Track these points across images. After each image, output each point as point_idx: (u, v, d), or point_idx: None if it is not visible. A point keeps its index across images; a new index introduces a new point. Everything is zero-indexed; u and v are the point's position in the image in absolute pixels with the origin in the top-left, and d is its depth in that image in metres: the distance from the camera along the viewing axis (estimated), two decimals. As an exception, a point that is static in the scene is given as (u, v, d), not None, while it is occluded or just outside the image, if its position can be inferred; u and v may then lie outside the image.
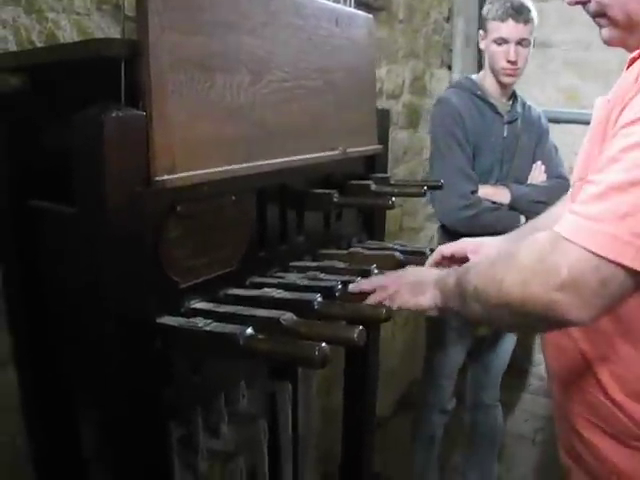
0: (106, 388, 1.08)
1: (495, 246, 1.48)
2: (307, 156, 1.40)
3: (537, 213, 2.20)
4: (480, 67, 3.14)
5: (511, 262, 1.01)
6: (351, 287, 1.30)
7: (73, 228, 1.07)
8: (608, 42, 1.11)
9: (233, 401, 1.43)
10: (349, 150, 1.56)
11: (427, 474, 2.87)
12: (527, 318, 1.00)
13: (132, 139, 0.99)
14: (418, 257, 1.56)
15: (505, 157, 2.57)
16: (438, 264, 1.47)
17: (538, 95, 3.30)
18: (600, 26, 1.12)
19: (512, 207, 2.47)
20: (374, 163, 1.79)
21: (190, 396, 1.24)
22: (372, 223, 1.84)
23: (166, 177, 1.03)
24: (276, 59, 1.29)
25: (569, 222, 0.94)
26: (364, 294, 1.28)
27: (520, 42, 2.39)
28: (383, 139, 1.82)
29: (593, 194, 0.92)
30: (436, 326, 2.69)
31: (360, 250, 1.58)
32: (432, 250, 1.59)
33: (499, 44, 2.41)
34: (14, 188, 1.22)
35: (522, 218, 2.44)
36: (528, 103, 2.70)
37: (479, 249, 1.47)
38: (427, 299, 1.24)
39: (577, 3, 1.11)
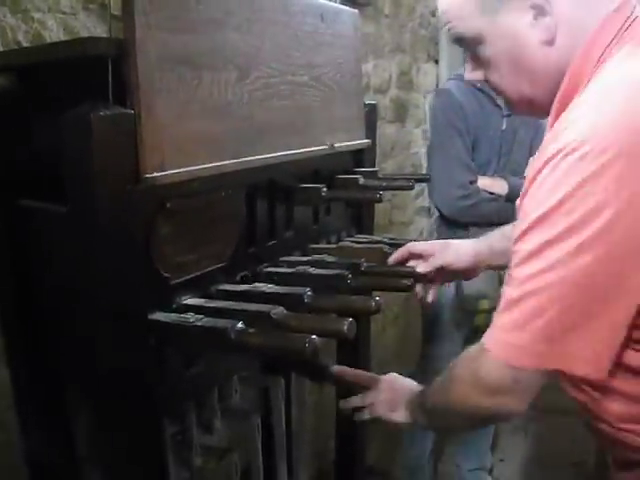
0: (99, 385, 1.09)
1: (464, 247, 1.54)
2: (295, 151, 1.40)
3: None
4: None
5: (452, 378, 1.18)
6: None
7: (64, 227, 1.07)
8: (515, 113, 1.21)
9: (226, 397, 1.44)
10: (337, 145, 1.57)
11: (421, 466, 2.89)
12: (475, 421, 1.23)
13: (121, 137, 1.00)
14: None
15: (503, 150, 2.58)
16: (405, 260, 1.52)
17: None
18: (504, 102, 1.25)
19: (509, 199, 2.47)
20: (362, 157, 1.80)
21: (183, 392, 1.24)
22: (361, 217, 1.85)
23: (156, 174, 1.04)
24: (263, 55, 1.30)
25: (489, 332, 1.06)
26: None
27: None
28: (371, 133, 1.83)
29: (505, 301, 1.03)
30: (432, 319, 2.70)
31: (349, 244, 1.59)
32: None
33: None
34: (4, 188, 1.22)
35: None
36: None
37: (447, 249, 1.52)
38: (399, 416, 1.38)
39: (477, 81, 1.22)
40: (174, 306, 1.15)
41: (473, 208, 2.46)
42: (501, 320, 1.03)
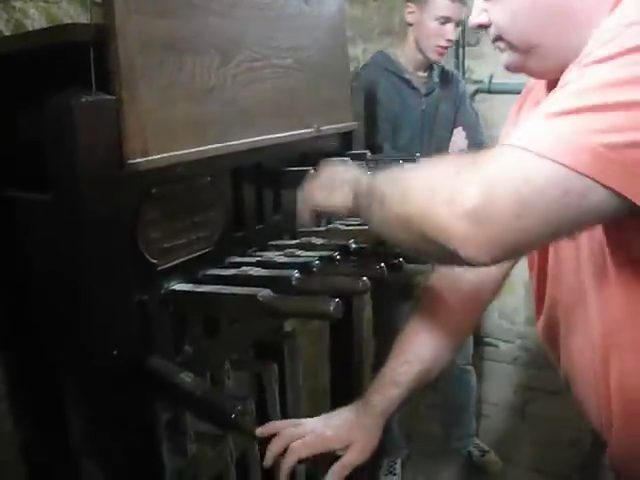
0: (89, 373, 1.09)
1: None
2: (281, 135, 1.40)
3: None
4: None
5: (427, 181, 0.88)
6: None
7: (49, 215, 1.07)
8: (508, 67, 1.10)
9: (219, 382, 1.44)
10: (323, 128, 1.57)
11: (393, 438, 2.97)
12: (421, 237, 0.85)
13: (103, 123, 0.99)
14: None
15: (425, 128, 2.61)
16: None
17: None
18: (500, 50, 1.10)
19: None
20: (351, 140, 1.79)
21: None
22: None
23: (139, 160, 1.03)
24: (245, 39, 1.29)
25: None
26: None
27: (458, 23, 2.42)
28: (359, 116, 1.82)
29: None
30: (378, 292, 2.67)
31: (339, 226, 1.59)
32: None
33: (442, 23, 2.42)
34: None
35: None
36: (446, 68, 2.72)
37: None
38: (339, 197, 1.16)
39: (479, 27, 1.10)
40: (162, 292, 1.15)
41: None
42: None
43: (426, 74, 2.60)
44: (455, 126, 2.68)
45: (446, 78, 2.68)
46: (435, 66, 2.63)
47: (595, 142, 0.73)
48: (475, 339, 4.04)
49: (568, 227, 0.82)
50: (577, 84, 0.80)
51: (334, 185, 1.19)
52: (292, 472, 1.22)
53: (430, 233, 0.81)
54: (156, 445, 1.26)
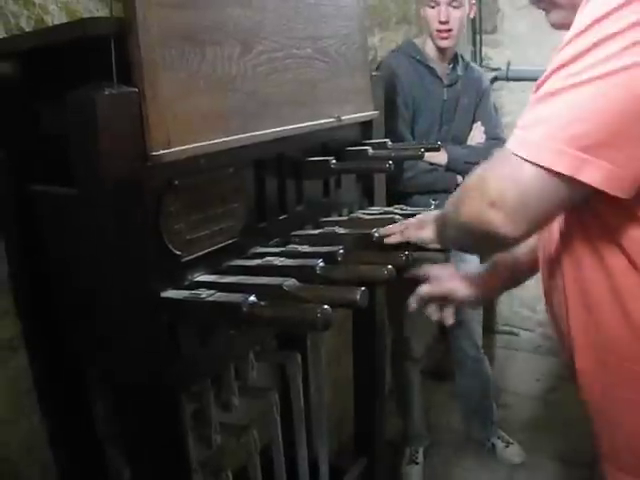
0: (115, 365, 1.10)
1: (470, 278, 1.52)
2: (302, 125, 1.40)
3: None
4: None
5: (464, 185, 1.05)
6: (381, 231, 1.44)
7: (74, 209, 1.08)
8: (556, 25, 1.11)
9: (243, 374, 1.45)
10: (344, 117, 1.56)
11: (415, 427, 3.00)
12: (473, 233, 1.03)
13: (126, 116, 1.00)
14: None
15: (444, 119, 2.63)
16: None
17: (534, 56, 3.27)
18: (545, 11, 1.12)
19: (449, 168, 2.56)
20: (371, 129, 1.79)
21: (199, 370, 1.25)
22: (372, 189, 1.85)
23: (162, 152, 1.04)
24: (265, 29, 1.29)
25: (510, 138, 0.95)
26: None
27: (450, 3, 2.43)
28: (379, 105, 1.82)
29: (531, 102, 0.93)
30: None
31: (360, 216, 1.59)
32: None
33: (432, 7, 2.47)
34: (14, 174, 1.23)
35: (459, 178, 2.52)
36: (471, 64, 2.76)
37: (454, 278, 1.50)
38: (427, 233, 1.34)
39: None
40: (186, 283, 1.16)
41: (411, 180, 2.53)
42: (522, 120, 0.93)
43: (450, 66, 2.62)
44: (474, 121, 2.69)
45: (471, 73, 2.70)
46: (460, 60, 2.65)
47: (560, 144, 0.87)
48: (492, 327, 4.04)
49: (560, 206, 0.97)
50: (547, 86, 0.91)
51: (424, 224, 1.37)
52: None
53: (479, 227, 0.98)
54: (182, 436, 1.26)
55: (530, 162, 0.89)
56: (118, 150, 0.99)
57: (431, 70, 2.57)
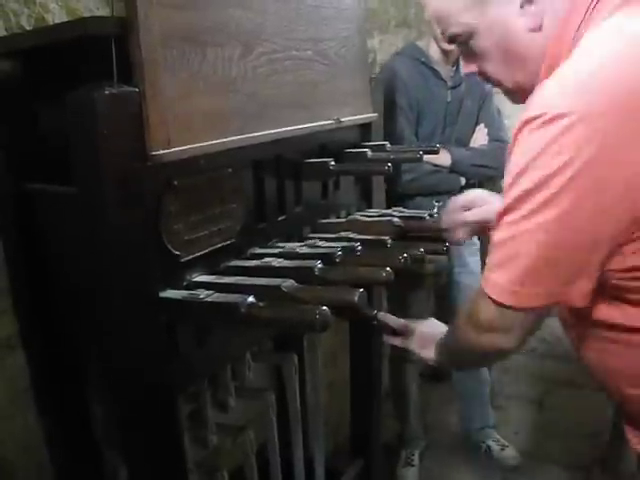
0: (112, 365, 1.09)
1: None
2: (301, 126, 1.40)
3: (476, 175, 2.59)
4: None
5: (459, 318, 1.25)
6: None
7: (74, 208, 1.07)
8: (518, 103, 1.21)
9: (239, 374, 1.45)
10: (343, 119, 1.57)
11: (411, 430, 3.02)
12: (476, 356, 1.29)
13: (126, 115, 0.99)
14: (417, 222, 1.57)
15: (448, 121, 2.64)
16: (454, 212, 1.54)
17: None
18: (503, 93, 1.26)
19: (452, 170, 2.58)
20: (370, 131, 1.79)
21: (197, 370, 1.25)
22: (371, 191, 1.85)
23: (162, 151, 1.04)
24: (266, 31, 1.30)
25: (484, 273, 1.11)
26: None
27: None
28: (378, 107, 1.82)
29: (492, 243, 1.07)
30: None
31: (359, 218, 1.59)
32: (431, 215, 1.61)
33: None
34: (13, 172, 1.23)
35: (462, 180, 2.57)
36: None
37: (488, 199, 1.52)
38: (428, 354, 1.45)
39: (478, 74, 1.26)
40: (185, 283, 1.16)
41: (414, 182, 2.55)
42: (489, 261, 1.07)
43: (454, 68, 2.62)
44: (477, 123, 2.70)
45: (474, 75, 2.68)
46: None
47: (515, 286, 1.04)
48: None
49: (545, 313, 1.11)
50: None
51: (427, 342, 1.46)
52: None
53: (486, 349, 1.18)
54: (178, 436, 1.26)
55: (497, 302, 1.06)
56: (118, 149, 0.98)
57: (435, 72, 2.57)
